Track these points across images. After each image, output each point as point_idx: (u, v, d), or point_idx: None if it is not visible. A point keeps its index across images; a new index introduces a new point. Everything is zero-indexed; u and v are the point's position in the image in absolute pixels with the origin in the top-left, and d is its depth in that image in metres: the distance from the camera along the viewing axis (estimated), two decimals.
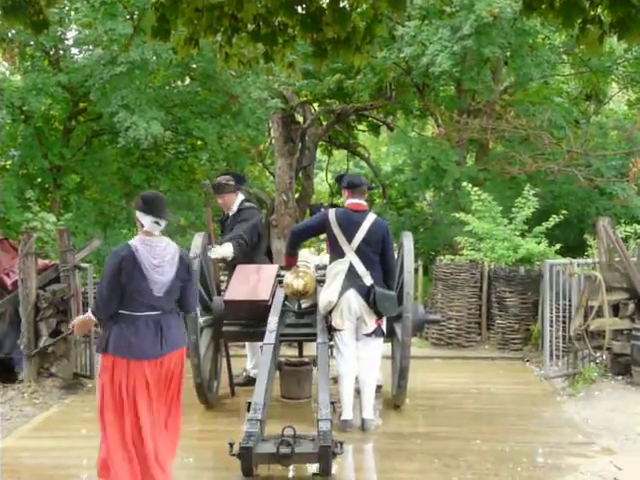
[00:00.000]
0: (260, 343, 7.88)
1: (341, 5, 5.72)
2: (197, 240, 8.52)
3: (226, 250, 9.08)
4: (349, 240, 7.84)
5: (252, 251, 9.38)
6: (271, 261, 10.03)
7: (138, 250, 5.56)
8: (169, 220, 5.84)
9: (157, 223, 5.67)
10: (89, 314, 5.83)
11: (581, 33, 5.44)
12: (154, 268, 5.56)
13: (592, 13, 5.37)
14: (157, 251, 5.61)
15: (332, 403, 6.79)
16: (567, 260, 10.67)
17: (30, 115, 17.64)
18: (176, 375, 5.78)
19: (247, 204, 9.61)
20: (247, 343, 9.75)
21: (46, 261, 10.44)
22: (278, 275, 8.95)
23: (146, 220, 5.66)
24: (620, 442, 7.43)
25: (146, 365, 5.57)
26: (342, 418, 7.80)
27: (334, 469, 6.19)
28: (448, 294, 12.59)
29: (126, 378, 5.56)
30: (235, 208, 9.56)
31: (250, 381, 9.12)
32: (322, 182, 29.71)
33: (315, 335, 8.00)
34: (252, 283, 8.65)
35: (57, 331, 9.65)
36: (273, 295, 8.53)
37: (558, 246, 12.70)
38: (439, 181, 18.69)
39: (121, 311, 5.61)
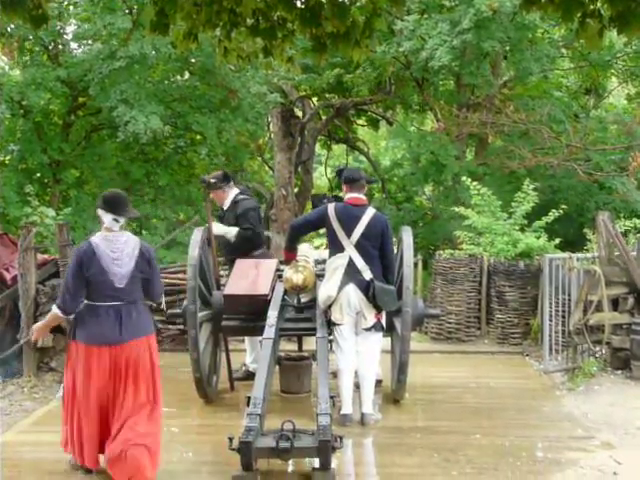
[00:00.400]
0: (259, 338, 7.89)
1: None
2: (196, 235, 8.52)
3: (231, 230, 9.31)
4: (348, 234, 7.83)
5: (253, 240, 9.44)
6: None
7: (98, 246, 6.04)
8: (129, 217, 6.35)
9: (116, 220, 6.15)
10: (54, 311, 6.17)
11: (580, 27, 5.43)
12: (112, 261, 6.02)
13: (592, 7, 5.37)
14: (116, 245, 6.07)
15: (331, 397, 6.79)
16: (566, 254, 10.68)
17: (29, 110, 17.64)
18: (143, 361, 6.13)
19: (241, 196, 9.65)
20: (246, 337, 9.75)
21: (45, 256, 10.45)
22: (277, 269, 8.96)
23: (106, 218, 6.15)
24: (620, 436, 7.44)
25: (107, 351, 6.01)
26: (342, 412, 7.80)
27: (333, 463, 6.17)
28: (447, 288, 12.58)
29: (95, 363, 6.01)
30: (228, 203, 9.63)
31: (249, 375, 9.13)
32: (321, 176, 29.78)
33: (314, 329, 7.99)
34: (251, 278, 8.65)
35: (57, 327, 9.64)
36: (272, 289, 8.53)
37: (557, 240, 12.69)
38: (438, 175, 18.70)
39: (85, 301, 6.09)
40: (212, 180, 9.57)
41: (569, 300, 10.27)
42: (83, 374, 6.06)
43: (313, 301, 8.42)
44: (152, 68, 17.78)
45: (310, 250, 9.75)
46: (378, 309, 7.87)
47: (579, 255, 10.75)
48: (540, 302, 11.36)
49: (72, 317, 6.19)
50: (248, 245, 9.42)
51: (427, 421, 8.20)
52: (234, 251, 9.44)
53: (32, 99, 16.53)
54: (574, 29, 5.76)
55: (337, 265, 7.86)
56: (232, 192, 9.66)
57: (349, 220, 7.86)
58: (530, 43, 17.45)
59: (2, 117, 16.32)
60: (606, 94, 22.43)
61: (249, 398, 6.63)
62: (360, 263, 7.82)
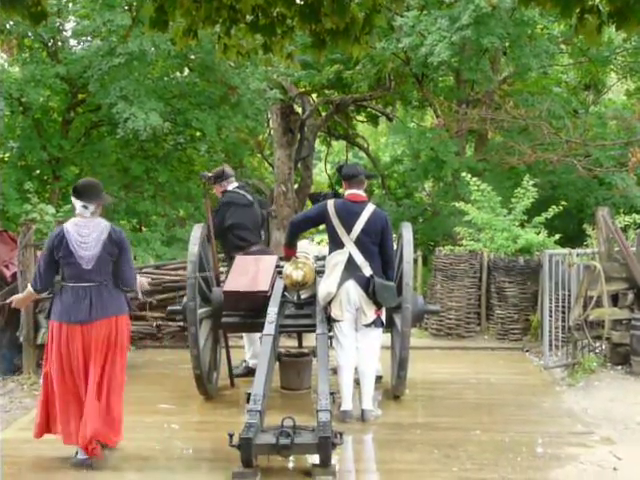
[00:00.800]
0: (259, 334, 7.89)
1: None
2: (196, 231, 8.52)
3: None
4: (348, 231, 7.82)
5: (224, 235, 9.52)
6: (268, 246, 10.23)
7: (68, 230, 6.46)
8: (100, 203, 6.67)
9: (85, 207, 6.53)
10: (29, 288, 6.79)
11: (579, 23, 5.43)
12: (80, 245, 6.42)
13: (590, 3, 5.37)
14: (85, 230, 6.47)
15: (332, 394, 6.80)
16: (566, 250, 10.67)
17: (29, 107, 17.64)
18: (110, 339, 6.52)
19: (234, 190, 9.75)
20: (244, 334, 9.77)
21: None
22: (277, 266, 8.95)
23: (77, 205, 6.57)
24: (619, 432, 7.43)
25: (79, 329, 6.42)
26: (342, 409, 7.79)
27: (334, 460, 6.19)
28: (447, 284, 12.57)
29: (65, 340, 6.44)
30: None
31: (249, 372, 9.18)
32: (321, 173, 29.81)
33: (314, 326, 7.98)
34: (251, 274, 8.64)
35: None
36: (272, 286, 8.53)
37: (557, 236, 12.69)
38: (438, 171, 18.73)
39: (62, 282, 6.56)
40: (209, 175, 9.67)
41: (569, 296, 10.27)
42: (57, 351, 6.46)
43: (313, 297, 8.41)
44: (151, 65, 17.76)
45: (310, 246, 9.76)
46: (378, 305, 7.86)
47: (579, 251, 10.75)
48: (540, 298, 11.36)
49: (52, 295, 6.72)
50: (239, 241, 9.50)
51: (427, 417, 8.21)
52: (231, 248, 9.47)
53: (31, 96, 16.53)
54: (573, 25, 5.75)
55: (337, 261, 7.85)
56: (230, 187, 9.74)
57: (349, 216, 7.85)
58: (529, 39, 17.42)
59: (1, 114, 16.31)
60: (605, 90, 22.43)
61: (249, 395, 6.63)
62: (360, 259, 7.82)
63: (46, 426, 6.61)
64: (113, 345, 6.55)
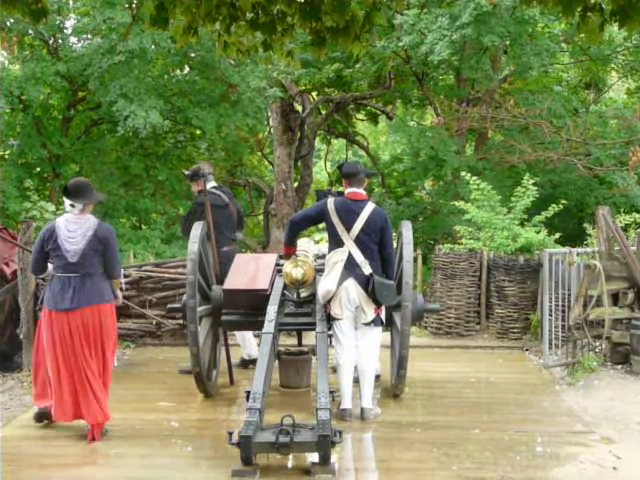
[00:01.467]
0: (256, 332, 7.90)
1: None
2: (196, 229, 8.52)
3: None
4: (348, 229, 7.81)
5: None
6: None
7: (59, 225, 7.06)
8: (89, 202, 7.17)
9: (72, 206, 7.08)
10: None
11: (581, 21, 5.42)
12: (67, 239, 6.99)
13: (592, 1, 5.36)
14: (74, 226, 7.02)
15: (331, 392, 6.81)
16: (566, 249, 10.66)
17: (29, 104, 17.65)
18: (93, 326, 7.03)
19: (213, 191, 9.88)
20: (236, 333, 9.79)
21: None
22: (277, 264, 8.95)
23: (66, 203, 7.15)
24: (619, 431, 7.43)
25: (65, 316, 6.97)
26: (341, 407, 7.80)
27: (333, 458, 6.20)
28: (447, 283, 12.56)
29: (53, 325, 7.01)
30: None
31: (245, 364, 9.54)
32: (321, 171, 29.82)
33: (314, 324, 7.98)
34: (251, 272, 8.65)
35: None
36: (272, 284, 8.53)
37: (557, 235, 12.67)
38: (438, 170, 18.72)
39: (52, 272, 7.14)
40: (186, 173, 9.90)
41: (569, 295, 10.27)
42: (47, 335, 7.05)
43: (313, 296, 8.42)
44: (152, 62, 17.78)
45: (310, 245, 9.74)
46: (377, 304, 7.84)
47: (579, 250, 10.74)
48: (540, 297, 11.35)
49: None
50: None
51: (426, 416, 8.20)
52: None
53: (32, 93, 16.54)
54: (575, 23, 5.74)
55: (336, 260, 7.84)
56: (207, 186, 9.81)
57: (348, 215, 7.84)
58: (530, 37, 17.40)
59: (2, 112, 16.33)
60: (606, 89, 22.39)
61: (248, 393, 6.63)
62: (359, 258, 7.81)
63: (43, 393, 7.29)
64: (99, 331, 7.07)
